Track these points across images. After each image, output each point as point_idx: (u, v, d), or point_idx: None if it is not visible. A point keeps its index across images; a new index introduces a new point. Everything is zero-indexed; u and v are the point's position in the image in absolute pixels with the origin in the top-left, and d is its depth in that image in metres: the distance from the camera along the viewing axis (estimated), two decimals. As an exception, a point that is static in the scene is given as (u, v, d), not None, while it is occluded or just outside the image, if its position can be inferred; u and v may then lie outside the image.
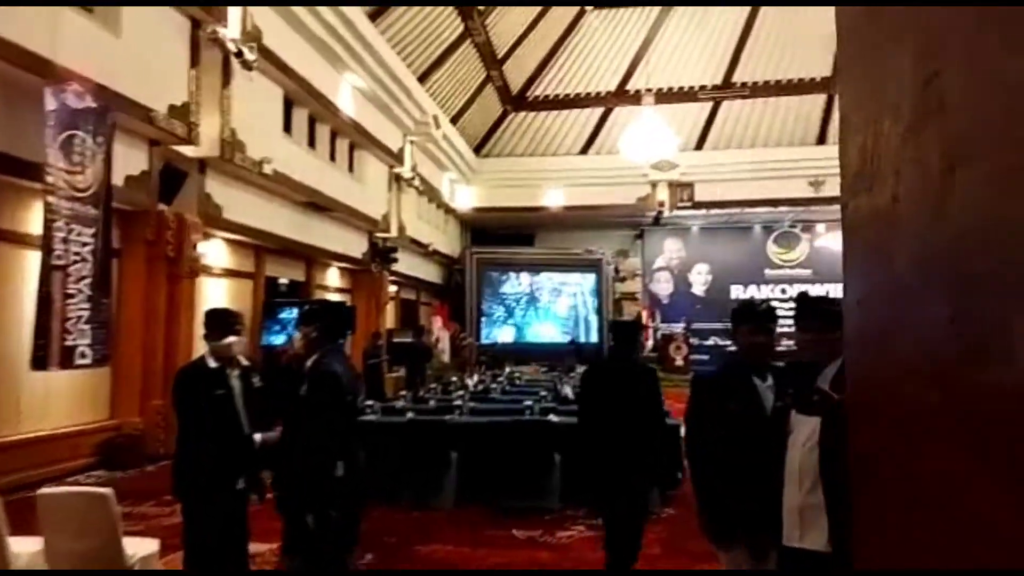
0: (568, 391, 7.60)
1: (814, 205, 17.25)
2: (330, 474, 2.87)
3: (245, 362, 3.64)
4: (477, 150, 18.12)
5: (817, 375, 2.15)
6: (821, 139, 17.64)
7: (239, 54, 7.97)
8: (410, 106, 12.77)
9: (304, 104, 10.06)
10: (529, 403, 6.37)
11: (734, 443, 2.59)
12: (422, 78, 13.47)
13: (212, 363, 3.52)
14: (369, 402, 6.28)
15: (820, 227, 18.72)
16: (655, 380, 3.75)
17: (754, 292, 18.86)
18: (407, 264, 14.68)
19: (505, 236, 19.11)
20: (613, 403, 3.54)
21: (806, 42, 16.18)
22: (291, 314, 10.11)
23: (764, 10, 15.72)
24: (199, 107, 7.77)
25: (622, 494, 3.48)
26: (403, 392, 8.31)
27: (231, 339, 3.57)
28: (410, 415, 6.31)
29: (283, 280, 10.96)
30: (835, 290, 17.64)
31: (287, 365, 3.34)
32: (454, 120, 15.78)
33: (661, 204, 17.51)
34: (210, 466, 3.28)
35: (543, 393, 7.40)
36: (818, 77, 16.74)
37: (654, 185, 17.51)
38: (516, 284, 18.88)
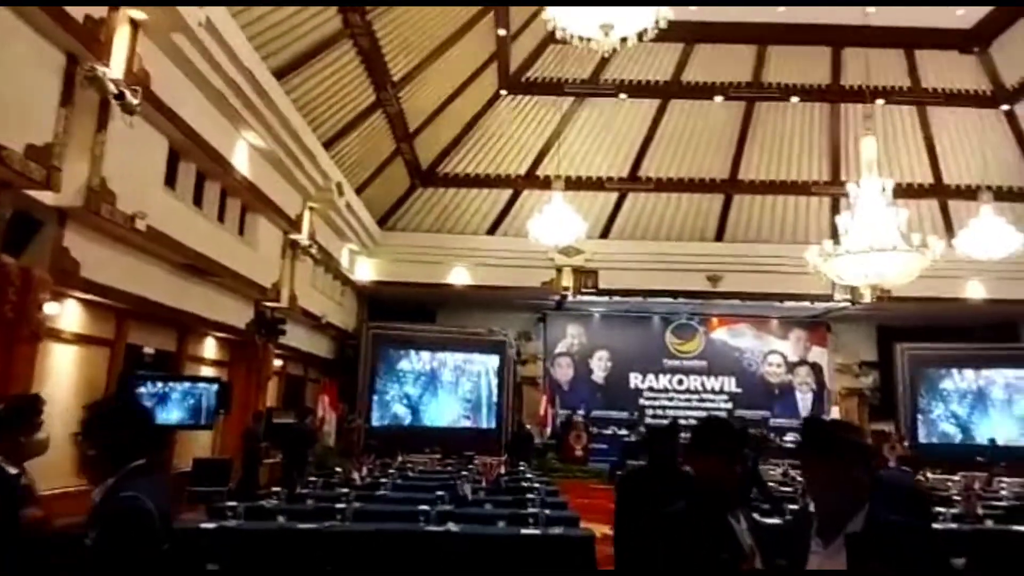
0: (468, 490, 6.86)
1: (711, 299, 17.76)
2: None
3: (13, 469, 2.85)
4: (382, 222, 17.51)
5: (834, 530, 1.65)
6: (719, 236, 18.30)
7: (120, 96, 7.11)
8: (313, 171, 12.07)
9: (193, 158, 9.18)
10: (425, 507, 5.59)
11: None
12: (328, 143, 12.87)
13: (10, 469, 2.79)
14: (232, 503, 5.31)
15: (715, 321, 19.23)
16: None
17: (652, 381, 18.92)
18: (296, 337, 13.60)
19: (405, 312, 18.35)
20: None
21: (708, 144, 17.03)
22: (154, 388, 8.98)
23: (670, 110, 16.42)
24: (64, 150, 6.79)
25: None
26: (275, 488, 7.25)
27: (42, 436, 2.95)
28: (281, 520, 5.39)
29: (148, 350, 9.67)
30: (728, 383, 17.81)
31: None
32: (359, 190, 15.18)
33: (566, 289, 17.43)
34: None
35: (440, 492, 6.61)
36: (718, 178, 17.53)
37: (559, 270, 17.45)
38: (415, 362, 17.99)
